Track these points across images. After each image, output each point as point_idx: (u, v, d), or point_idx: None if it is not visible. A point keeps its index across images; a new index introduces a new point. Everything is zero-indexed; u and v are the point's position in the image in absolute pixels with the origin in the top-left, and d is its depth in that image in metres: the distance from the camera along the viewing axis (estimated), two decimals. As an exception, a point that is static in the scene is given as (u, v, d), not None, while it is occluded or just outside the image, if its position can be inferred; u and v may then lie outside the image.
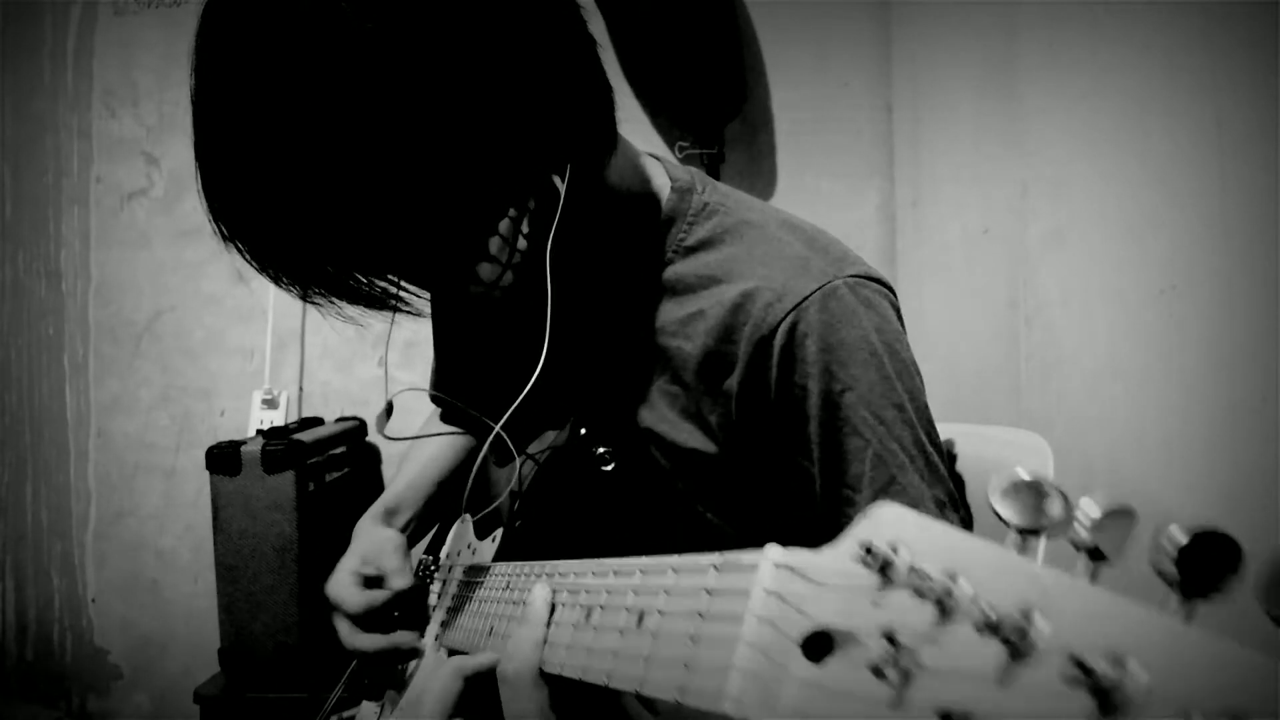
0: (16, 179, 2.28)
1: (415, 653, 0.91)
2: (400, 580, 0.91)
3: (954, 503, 0.76)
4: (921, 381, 0.78)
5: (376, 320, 0.72)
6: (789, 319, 0.74)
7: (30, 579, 2.28)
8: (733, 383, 0.76)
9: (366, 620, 0.92)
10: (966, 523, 0.77)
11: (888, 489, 0.73)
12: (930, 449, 0.75)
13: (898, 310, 0.80)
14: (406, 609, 0.94)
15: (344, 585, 0.94)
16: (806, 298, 0.74)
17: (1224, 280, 1.00)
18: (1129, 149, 1.16)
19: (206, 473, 1.77)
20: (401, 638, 0.91)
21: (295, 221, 0.63)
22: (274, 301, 2.20)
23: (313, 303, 0.68)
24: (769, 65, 2.10)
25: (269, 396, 2.19)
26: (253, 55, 0.60)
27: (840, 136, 2.10)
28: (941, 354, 1.70)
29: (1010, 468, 0.33)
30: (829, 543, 0.39)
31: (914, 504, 0.72)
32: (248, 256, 0.65)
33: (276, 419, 2.16)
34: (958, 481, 0.86)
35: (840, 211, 2.07)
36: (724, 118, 2.04)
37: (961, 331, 1.68)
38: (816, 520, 0.76)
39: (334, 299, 0.68)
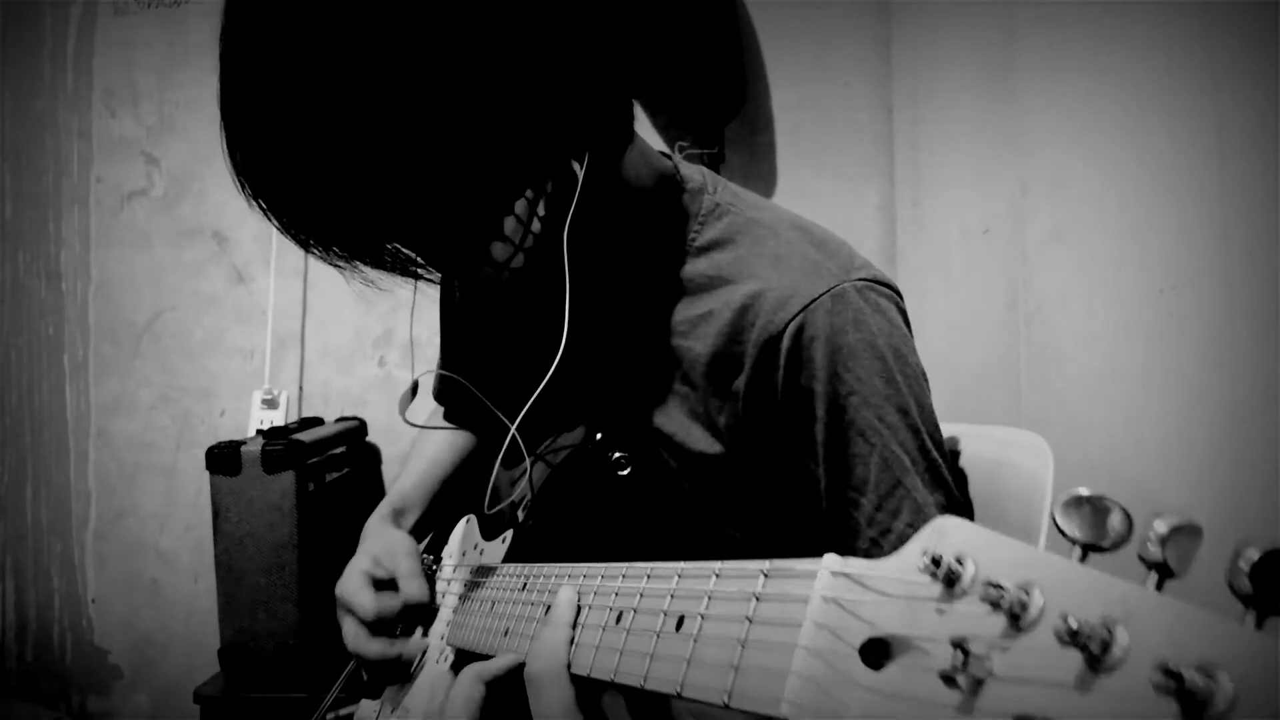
0: (16, 179, 2.29)
1: (415, 660, 0.90)
2: (413, 586, 0.91)
3: (956, 508, 0.76)
4: (927, 385, 0.78)
5: (400, 286, 0.72)
6: (796, 321, 0.74)
7: (30, 579, 2.28)
8: (740, 384, 0.76)
9: (377, 625, 0.92)
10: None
11: (892, 493, 0.72)
12: (935, 454, 0.75)
13: (905, 315, 0.80)
14: (416, 611, 0.93)
15: (357, 587, 0.93)
16: (815, 300, 0.74)
17: (1224, 280, 1.00)
18: (1129, 149, 1.16)
19: (206, 473, 1.77)
20: (407, 645, 0.91)
21: (318, 180, 0.63)
22: (274, 301, 2.21)
23: (336, 265, 0.68)
24: (769, 65, 2.10)
25: (269, 396, 2.19)
26: (280, 14, 0.60)
27: (840, 136, 2.10)
28: (941, 354, 1.70)
29: (1074, 487, 0.34)
30: (863, 549, 0.39)
31: (917, 509, 0.72)
32: (271, 216, 0.66)
33: (276, 419, 2.16)
34: (960, 478, 0.86)
35: (840, 211, 2.07)
36: (724, 118, 2.03)
37: (961, 332, 1.68)
38: (821, 522, 0.75)
39: (356, 262, 0.68)
